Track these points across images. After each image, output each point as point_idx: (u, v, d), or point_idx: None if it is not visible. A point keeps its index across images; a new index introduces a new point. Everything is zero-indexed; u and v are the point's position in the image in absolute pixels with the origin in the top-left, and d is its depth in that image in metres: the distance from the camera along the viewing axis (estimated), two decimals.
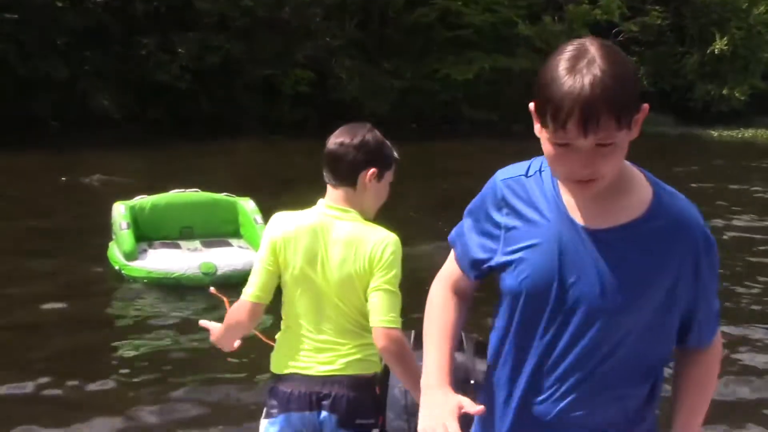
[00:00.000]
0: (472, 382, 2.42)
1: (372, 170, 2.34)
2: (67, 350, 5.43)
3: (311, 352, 2.35)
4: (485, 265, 1.59)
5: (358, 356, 2.34)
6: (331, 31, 24.64)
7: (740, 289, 7.25)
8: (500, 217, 1.56)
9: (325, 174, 2.40)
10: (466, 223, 1.65)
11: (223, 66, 22.31)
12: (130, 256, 6.81)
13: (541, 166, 1.56)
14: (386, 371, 2.51)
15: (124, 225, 6.90)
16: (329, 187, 2.38)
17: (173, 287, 6.69)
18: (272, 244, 2.35)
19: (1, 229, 8.98)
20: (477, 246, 1.60)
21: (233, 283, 6.67)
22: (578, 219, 1.48)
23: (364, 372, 2.34)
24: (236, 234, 7.54)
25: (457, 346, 2.64)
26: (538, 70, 1.42)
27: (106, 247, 7.32)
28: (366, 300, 2.29)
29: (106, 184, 12.56)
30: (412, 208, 11.15)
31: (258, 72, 22.88)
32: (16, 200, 10.86)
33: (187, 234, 7.39)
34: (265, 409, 2.42)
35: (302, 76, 23.65)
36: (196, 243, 7.26)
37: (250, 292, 2.38)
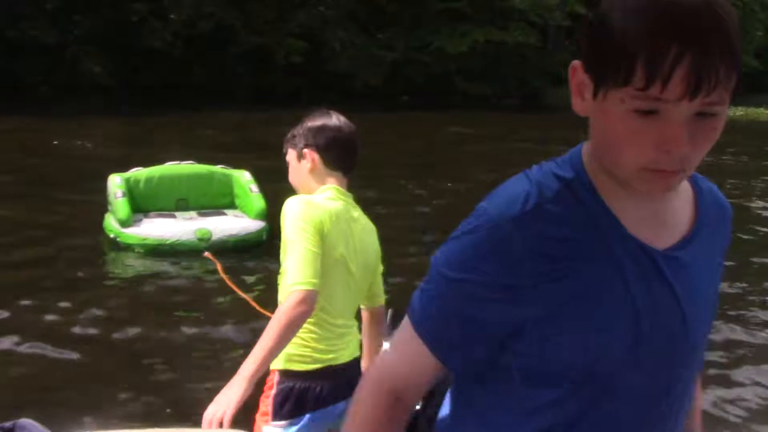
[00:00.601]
0: None
1: None
2: (58, 293, 5.49)
3: (335, 339, 2.28)
4: (485, 348, 1.05)
5: (359, 335, 2.41)
6: (325, 1, 24.46)
7: None
8: (519, 275, 0.99)
9: (334, 161, 2.31)
10: (449, 291, 1.03)
11: (215, 33, 22.16)
12: (126, 224, 6.85)
13: (564, 178, 1.03)
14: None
15: (119, 194, 6.94)
16: (338, 174, 2.32)
17: (168, 253, 6.76)
18: (319, 226, 2.16)
19: None
20: (473, 320, 1.03)
21: (228, 248, 6.82)
22: (645, 239, 1.03)
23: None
24: (231, 206, 7.60)
25: None
26: (600, 4, 0.97)
27: (97, 205, 7.37)
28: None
29: (97, 149, 12.54)
30: (401, 179, 11.20)
31: (251, 40, 22.74)
32: (6, 163, 10.84)
33: (183, 205, 7.43)
34: (277, 410, 2.24)
35: (295, 45, 23.51)
36: (192, 213, 7.31)
37: (309, 279, 2.09)
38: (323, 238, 2.17)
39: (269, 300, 5.45)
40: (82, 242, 7.17)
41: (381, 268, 2.45)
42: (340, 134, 2.31)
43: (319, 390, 2.24)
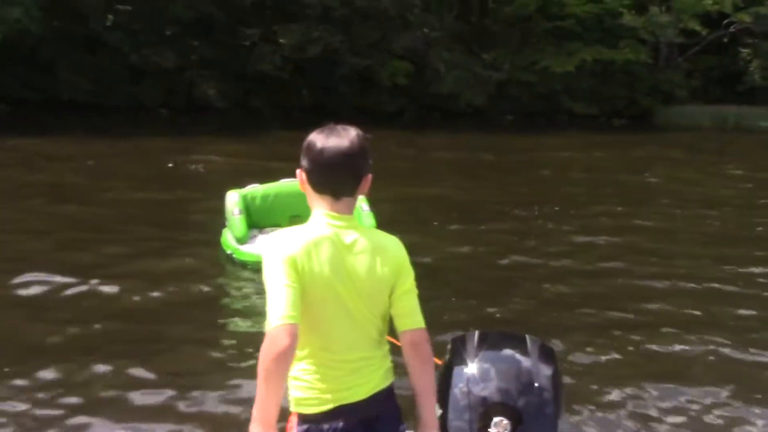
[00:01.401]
0: (536, 385, 2.37)
1: (369, 176, 2.22)
2: (174, 313, 5.71)
3: (347, 376, 2.15)
4: None
5: (386, 366, 2.24)
6: (430, 22, 24.66)
7: None
8: None
9: (316, 184, 2.18)
10: None
11: (323, 57, 22.71)
12: (242, 241, 7.06)
13: None
14: (447, 369, 2.35)
15: (237, 211, 7.17)
16: (327, 198, 2.17)
17: None
18: (292, 261, 2.06)
19: (115, 209, 9.50)
20: None
21: None
22: None
23: (392, 380, 2.25)
24: None
25: (522, 348, 2.55)
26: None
27: (213, 225, 7.65)
28: (389, 305, 2.20)
29: (211, 169, 13.06)
30: (508, 202, 11.09)
31: (356, 63, 23.18)
32: (128, 178, 11.45)
33: (297, 222, 7.56)
34: None
35: (399, 67, 23.79)
36: None
37: (284, 314, 2.00)
38: (300, 273, 2.06)
39: None
40: (199, 255, 7.44)
41: (407, 286, 2.21)
42: (321, 157, 2.13)
43: (332, 431, 2.12)
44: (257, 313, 6.08)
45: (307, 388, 2.14)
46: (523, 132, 20.89)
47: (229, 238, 7.23)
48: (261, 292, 6.78)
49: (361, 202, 7.51)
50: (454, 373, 2.39)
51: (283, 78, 22.57)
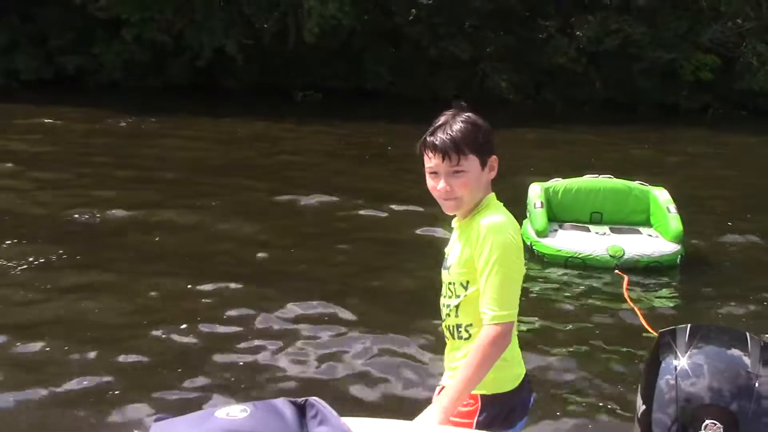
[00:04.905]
0: (756, 388, 2.09)
1: None
2: None
3: (519, 351, 2.32)
4: None
5: None
6: (744, 12, 22.59)
7: None
8: None
9: None
10: None
11: (620, 49, 21.86)
12: (542, 234, 7.12)
13: None
14: (654, 362, 2.22)
15: (539, 204, 7.25)
16: None
17: (578, 266, 6.89)
18: (520, 251, 2.16)
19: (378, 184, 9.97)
20: None
21: (640, 268, 6.71)
22: None
23: None
24: (646, 223, 7.48)
25: (742, 347, 2.20)
26: None
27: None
28: None
29: (506, 161, 13.18)
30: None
31: (659, 56, 21.98)
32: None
33: (597, 219, 7.53)
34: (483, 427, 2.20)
35: (705, 61, 22.14)
36: (605, 228, 7.33)
37: (512, 311, 2.09)
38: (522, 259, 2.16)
39: (659, 321, 5.32)
40: None
41: None
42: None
43: (525, 402, 2.25)
44: (555, 303, 6.05)
45: (509, 366, 2.20)
46: None
47: (529, 230, 7.29)
48: (561, 283, 6.78)
49: (668, 203, 7.21)
50: (662, 365, 2.20)
51: (576, 71, 22.11)
